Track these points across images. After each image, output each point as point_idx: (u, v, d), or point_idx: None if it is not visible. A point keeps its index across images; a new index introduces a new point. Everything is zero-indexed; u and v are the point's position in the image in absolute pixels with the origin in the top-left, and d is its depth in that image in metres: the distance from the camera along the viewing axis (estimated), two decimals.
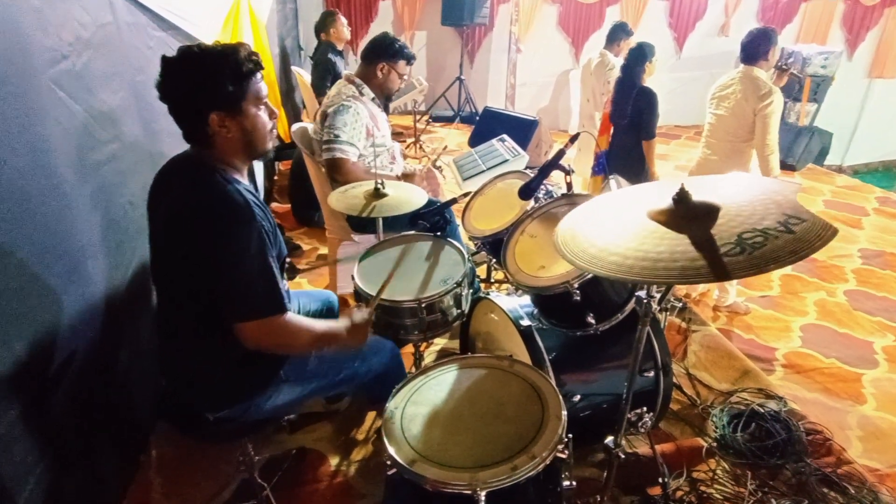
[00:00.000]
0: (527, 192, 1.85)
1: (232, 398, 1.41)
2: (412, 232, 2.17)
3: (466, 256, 1.94)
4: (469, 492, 1.07)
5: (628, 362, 1.41)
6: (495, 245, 2.03)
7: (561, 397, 1.29)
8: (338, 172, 2.40)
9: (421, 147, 5.49)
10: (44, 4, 1.33)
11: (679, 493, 1.84)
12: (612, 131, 3.48)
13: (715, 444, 2.04)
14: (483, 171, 3.46)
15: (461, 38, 6.76)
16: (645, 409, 1.75)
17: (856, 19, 7.39)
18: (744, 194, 1.10)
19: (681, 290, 3.08)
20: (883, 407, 2.41)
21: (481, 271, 2.90)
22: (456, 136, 6.24)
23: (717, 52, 7.14)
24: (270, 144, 1.41)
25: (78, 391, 1.46)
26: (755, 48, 2.81)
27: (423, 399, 1.34)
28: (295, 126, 2.87)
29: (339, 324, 1.49)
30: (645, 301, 1.30)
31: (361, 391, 1.70)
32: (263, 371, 1.44)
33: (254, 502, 1.66)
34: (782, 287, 3.41)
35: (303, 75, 4.67)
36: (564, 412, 1.23)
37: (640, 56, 3.20)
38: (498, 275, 2.88)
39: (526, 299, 1.83)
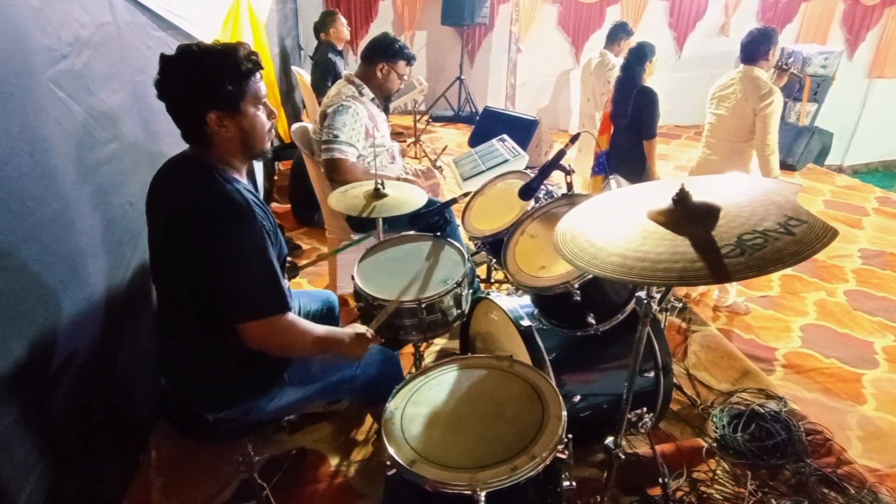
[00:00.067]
0: (527, 192, 1.85)
1: (232, 399, 1.41)
2: (412, 232, 2.17)
3: (466, 256, 1.94)
4: (469, 492, 1.07)
5: (628, 363, 1.41)
6: (495, 245, 2.02)
7: (561, 398, 1.28)
8: (336, 172, 2.40)
9: (421, 147, 5.49)
10: (43, 4, 1.33)
11: (679, 494, 1.84)
12: (612, 131, 3.48)
13: (715, 445, 2.04)
14: (483, 171, 3.46)
15: (461, 38, 6.76)
16: (645, 409, 1.75)
17: (856, 19, 7.39)
18: (744, 195, 1.10)
19: (681, 290, 3.08)
20: (883, 407, 2.41)
21: (481, 271, 2.90)
22: (456, 136, 6.23)
23: (718, 52, 7.14)
24: (268, 144, 1.41)
25: (78, 391, 1.46)
26: (755, 48, 2.81)
27: (423, 399, 1.34)
28: (295, 126, 2.87)
29: (341, 332, 1.48)
30: (645, 301, 1.30)
31: (359, 395, 1.70)
32: (265, 372, 1.44)
33: (254, 503, 1.66)
34: (782, 287, 3.41)
35: (303, 75, 4.67)
36: (564, 412, 1.23)
37: (640, 56, 3.20)
38: (498, 275, 2.87)
39: (526, 299, 1.83)
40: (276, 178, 4.69)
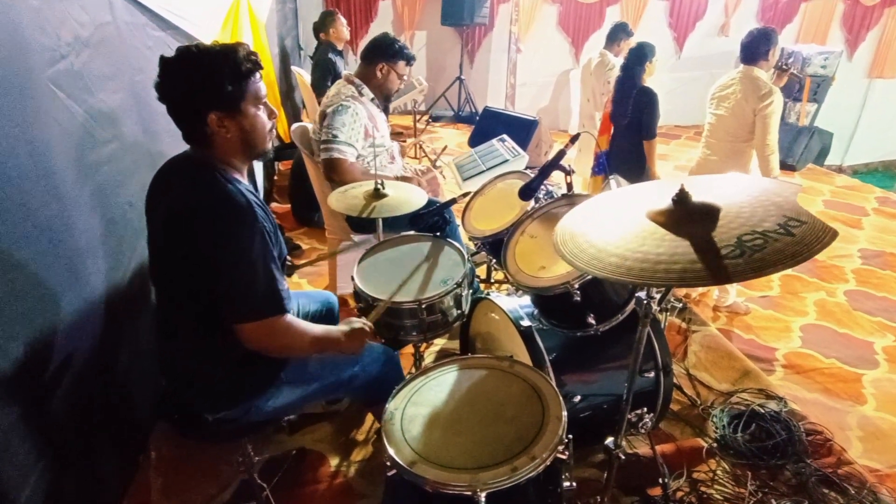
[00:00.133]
0: (527, 192, 1.85)
1: (231, 399, 1.41)
2: (412, 232, 2.17)
3: (466, 257, 1.94)
4: (469, 493, 1.07)
5: (628, 363, 1.41)
6: (495, 245, 2.02)
7: (561, 398, 1.28)
8: (335, 172, 2.40)
9: (421, 147, 5.49)
10: (42, 4, 1.33)
11: (679, 494, 1.84)
12: (612, 131, 3.48)
13: (715, 445, 2.04)
14: (483, 172, 3.46)
15: (461, 38, 6.76)
16: (645, 409, 1.75)
17: (856, 19, 7.39)
18: (744, 195, 1.10)
19: (681, 290, 3.07)
20: (883, 407, 2.40)
21: (481, 271, 2.90)
22: (456, 136, 6.23)
23: (717, 52, 7.14)
24: (269, 144, 1.41)
25: (77, 391, 1.46)
26: (755, 48, 2.81)
27: (423, 400, 1.34)
28: (294, 126, 2.87)
29: (337, 330, 1.49)
30: (645, 302, 1.30)
31: (359, 394, 1.70)
32: (263, 372, 1.44)
33: (253, 503, 1.66)
34: (782, 287, 3.41)
35: (302, 75, 4.67)
36: (565, 413, 1.23)
37: (640, 56, 3.20)
38: (498, 275, 2.87)
39: (526, 300, 1.83)
40: (275, 178, 4.69)
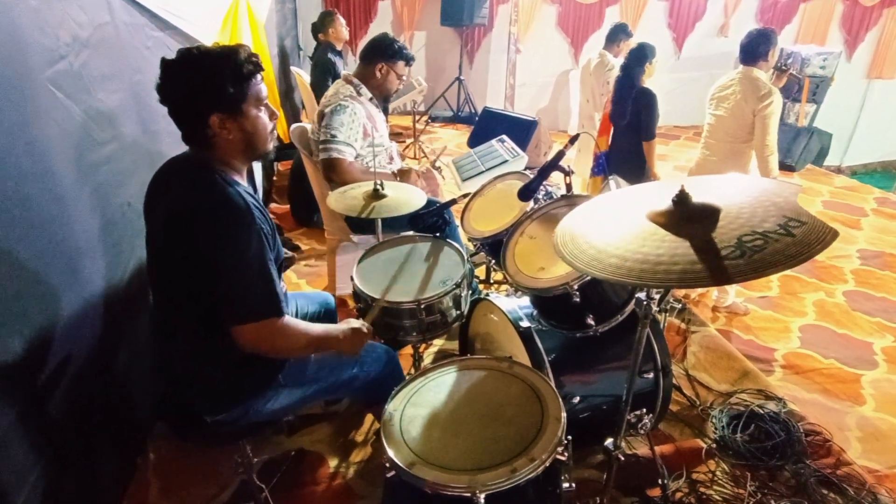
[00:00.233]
0: (526, 193, 1.85)
1: (230, 400, 1.41)
2: (411, 233, 2.17)
3: (466, 257, 1.94)
4: (468, 494, 1.07)
5: (628, 364, 1.41)
6: (495, 246, 2.02)
7: (560, 399, 1.28)
8: (334, 172, 2.40)
9: (420, 147, 5.49)
10: (41, 4, 1.33)
11: (678, 495, 1.84)
12: (611, 132, 3.48)
13: (714, 446, 2.04)
14: (482, 172, 3.46)
15: (460, 39, 6.76)
16: (644, 410, 1.75)
17: (855, 20, 7.39)
18: (744, 196, 1.10)
19: (680, 290, 3.07)
20: (882, 408, 2.41)
21: (480, 272, 2.90)
22: (455, 137, 6.23)
23: (717, 52, 7.14)
24: (271, 146, 1.41)
25: (76, 391, 1.46)
26: (754, 49, 2.81)
27: (422, 401, 1.34)
28: (293, 126, 2.86)
29: (336, 328, 1.49)
30: (644, 302, 1.30)
31: (359, 395, 1.70)
32: (262, 374, 1.43)
33: None
34: (781, 288, 3.41)
35: (302, 76, 4.67)
36: (564, 414, 1.23)
37: (640, 56, 3.20)
38: (497, 276, 2.87)
39: (525, 300, 1.82)
40: (275, 178, 4.69)
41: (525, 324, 1.67)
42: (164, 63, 1.25)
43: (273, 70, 4.29)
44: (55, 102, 1.38)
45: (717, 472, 1.93)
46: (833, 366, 2.69)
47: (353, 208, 2.03)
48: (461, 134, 6.27)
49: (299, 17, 6.10)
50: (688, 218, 1.05)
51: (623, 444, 1.52)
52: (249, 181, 1.66)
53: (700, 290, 3.23)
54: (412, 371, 2.11)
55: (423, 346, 2.35)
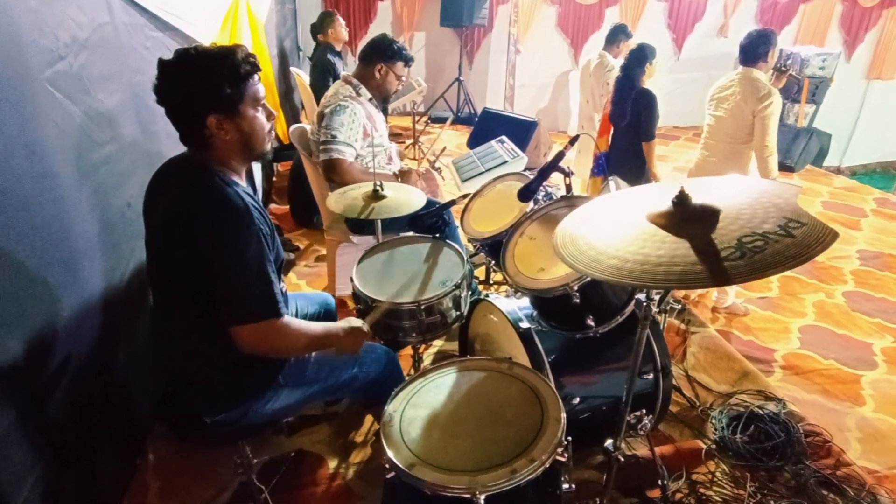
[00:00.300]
0: (526, 193, 1.85)
1: (230, 401, 1.41)
2: (411, 234, 2.17)
3: (465, 258, 1.94)
4: (468, 495, 1.07)
5: (627, 364, 1.41)
6: (494, 247, 2.02)
7: (560, 400, 1.28)
8: (334, 173, 2.40)
9: (420, 148, 5.49)
10: (40, 5, 1.32)
11: (678, 496, 1.84)
12: (611, 132, 3.48)
13: (714, 446, 2.04)
14: (482, 173, 3.46)
15: (460, 39, 6.76)
16: (644, 411, 1.74)
17: (854, 20, 7.40)
18: (743, 197, 1.10)
19: (680, 291, 3.07)
20: (882, 408, 2.41)
21: (480, 273, 2.90)
22: (455, 138, 6.23)
23: (716, 53, 7.14)
24: (268, 146, 1.41)
25: (76, 392, 1.45)
26: (754, 50, 2.81)
27: (421, 402, 1.34)
28: (293, 127, 2.86)
29: (335, 327, 1.49)
30: (644, 304, 1.30)
31: (359, 396, 1.69)
32: (261, 374, 1.43)
33: None
34: (781, 288, 3.42)
35: (301, 76, 4.67)
36: (564, 415, 1.23)
37: (640, 57, 3.20)
38: (497, 277, 2.87)
39: (525, 301, 1.82)
40: (274, 179, 4.69)
41: (525, 325, 1.67)
42: (162, 63, 1.25)
43: (273, 71, 4.29)
44: (54, 103, 1.38)
45: (717, 473, 1.93)
46: (833, 366, 2.69)
47: (353, 209, 2.03)
48: (461, 135, 6.27)
49: (299, 18, 6.10)
50: (688, 219, 1.05)
51: (623, 444, 1.52)
52: (249, 182, 1.66)
53: (700, 291, 3.23)
54: (412, 372, 2.11)
55: (423, 346, 2.35)
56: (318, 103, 3.30)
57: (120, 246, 1.73)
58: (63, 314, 1.41)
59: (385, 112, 2.86)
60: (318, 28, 4.70)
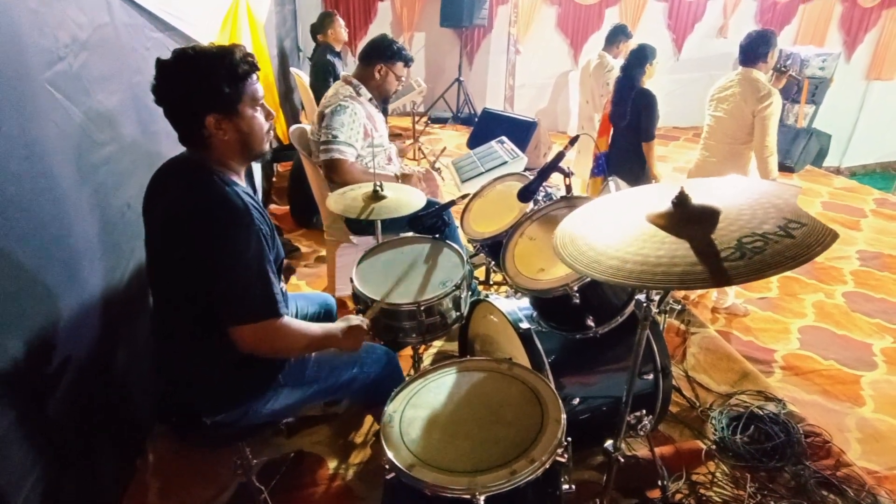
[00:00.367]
0: (526, 194, 1.85)
1: (230, 401, 1.41)
2: (411, 234, 2.17)
3: (465, 259, 1.93)
4: (468, 496, 1.07)
5: (627, 365, 1.41)
6: (494, 247, 2.02)
7: (560, 400, 1.28)
8: (335, 173, 2.40)
9: (420, 149, 5.49)
10: (40, 5, 1.32)
11: (678, 496, 1.84)
12: (611, 132, 3.48)
13: (714, 447, 2.04)
14: (482, 173, 3.46)
15: (460, 40, 6.76)
16: (644, 411, 1.74)
17: (854, 21, 7.40)
18: (743, 197, 1.10)
19: (679, 291, 3.08)
20: (881, 409, 2.41)
21: (480, 273, 2.90)
22: (454, 138, 6.23)
23: (716, 53, 7.15)
24: (267, 146, 1.41)
25: (76, 392, 1.45)
26: (754, 50, 2.81)
27: (421, 402, 1.34)
28: (293, 128, 2.86)
29: (335, 326, 1.49)
30: (644, 304, 1.30)
31: (359, 396, 1.69)
32: (261, 374, 1.43)
33: None
34: (781, 289, 3.42)
35: (301, 77, 4.67)
36: (563, 415, 1.23)
37: (641, 57, 3.20)
38: (497, 277, 2.87)
39: (525, 302, 1.82)
40: (274, 179, 4.69)
41: (525, 325, 1.67)
42: (160, 63, 1.25)
43: (273, 71, 4.29)
44: (54, 104, 1.38)
45: (717, 474, 1.93)
46: (833, 367, 2.69)
47: (353, 210, 2.03)
48: (461, 135, 6.27)
49: (299, 19, 6.10)
50: (687, 219, 1.05)
51: (623, 445, 1.52)
52: (249, 182, 1.66)
53: (699, 292, 3.23)
54: (412, 372, 2.10)
55: (423, 347, 2.35)
56: (317, 104, 3.30)
57: (120, 246, 1.73)
58: (63, 314, 1.41)
59: (385, 112, 2.86)
60: (318, 28, 4.70)
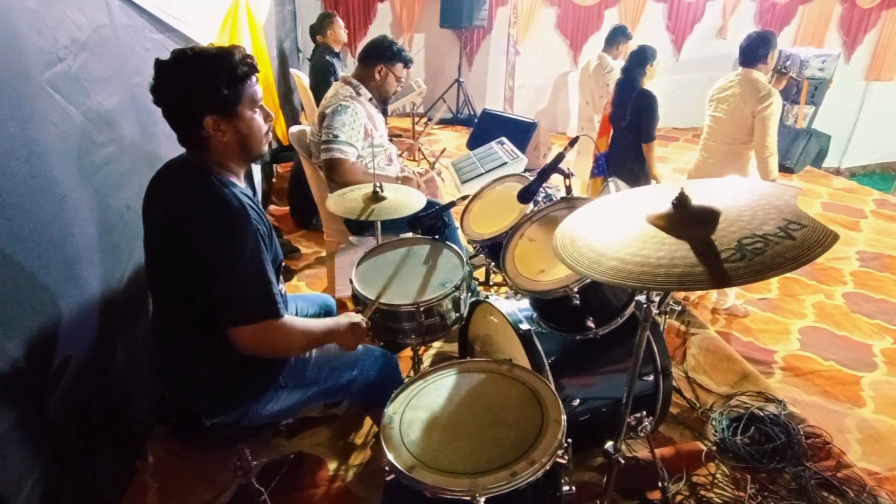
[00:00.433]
0: (526, 195, 1.85)
1: (230, 402, 1.41)
2: (411, 235, 2.16)
3: (465, 260, 1.93)
4: (468, 498, 1.07)
5: (628, 366, 1.40)
6: (494, 248, 2.02)
7: (560, 402, 1.28)
8: (336, 173, 2.39)
9: (419, 149, 5.48)
10: (39, 6, 1.32)
11: (679, 498, 1.84)
12: (612, 133, 3.48)
13: (714, 448, 2.04)
14: (482, 174, 3.46)
15: (460, 41, 6.77)
16: (644, 412, 1.74)
17: (853, 22, 7.41)
18: (744, 198, 1.09)
19: (680, 292, 3.07)
20: (881, 410, 2.40)
21: (480, 275, 2.90)
22: (454, 139, 6.23)
23: (715, 54, 7.15)
24: (265, 148, 1.41)
25: (75, 394, 1.45)
26: (754, 52, 2.81)
27: (421, 404, 1.33)
28: (293, 129, 2.86)
29: (334, 323, 1.49)
30: (644, 305, 1.30)
31: (358, 398, 1.69)
32: (261, 375, 1.43)
33: None
34: (781, 290, 3.41)
35: (301, 78, 4.66)
36: (564, 417, 1.22)
37: (641, 58, 3.20)
38: (497, 278, 2.87)
39: (525, 303, 1.82)
40: (274, 180, 4.68)
41: (525, 326, 1.67)
42: (159, 64, 1.25)
43: (272, 72, 4.29)
44: (53, 105, 1.38)
45: (718, 475, 1.93)
46: (833, 368, 2.69)
47: (353, 211, 2.03)
48: (460, 136, 6.27)
49: (298, 19, 6.10)
50: (688, 221, 1.05)
51: (623, 446, 1.51)
52: (248, 183, 1.66)
53: (700, 293, 3.23)
54: (411, 374, 2.10)
55: (423, 348, 2.35)
56: (317, 105, 3.30)
57: (119, 247, 1.73)
58: (62, 315, 1.40)
59: (385, 113, 2.86)
60: (318, 29, 4.69)
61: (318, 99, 4.28)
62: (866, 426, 2.30)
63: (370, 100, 2.59)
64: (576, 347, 1.74)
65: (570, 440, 1.20)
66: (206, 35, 2.59)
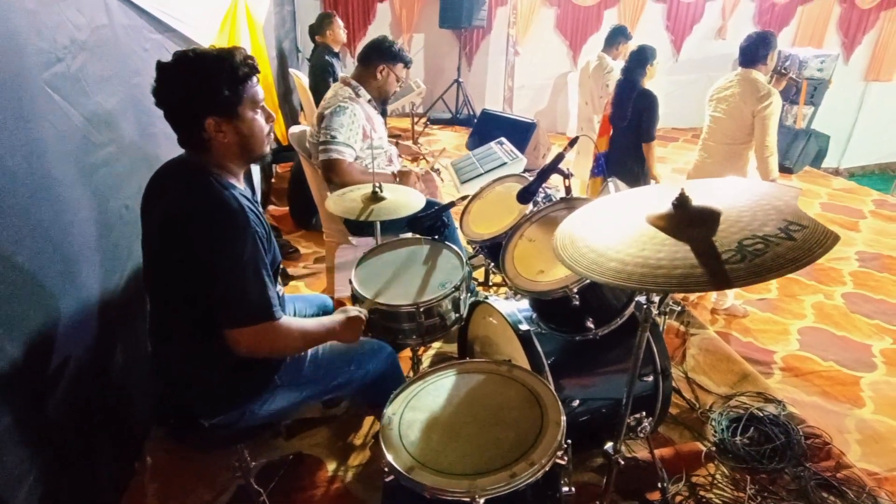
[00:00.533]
0: (525, 195, 1.85)
1: (228, 403, 1.40)
2: (410, 235, 2.16)
3: (465, 260, 1.93)
4: (468, 499, 1.06)
5: (627, 367, 1.40)
6: (494, 249, 2.02)
7: (560, 402, 1.28)
8: (334, 173, 2.39)
9: (420, 154, 5.48)
10: (39, 7, 1.32)
11: (678, 498, 1.84)
12: (612, 133, 3.48)
13: (714, 449, 2.04)
14: (481, 175, 3.45)
15: (459, 41, 6.76)
16: (644, 413, 1.74)
17: (852, 22, 7.42)
18: (744, 199, 1.09)
19: (679, 293, 3.07)
20: (881, 410, 2.40)
21: (479, 275, 2.90)
22: (454, 139, 6.23)
23: (715, 55, 7.16)
24: (267, 149, 1.41)
25: (74, 394, 1.45)
26: (754, 52, 2.81)
27: (421, 405, 1.33)
28: (292, 129, 2.86)
29: (333, 319, 1.49)
30: (644, 306, 1.30)
31: (358, 396, 1.69)
32: (258, 375, 1.43)
33: None
34: (780, 290, 3.42)
35: (300, 78, 4.66)
36: (563, 417, 1.22)
37: (641, 59, 3.20)
38: (496, 279, 2.87)
39: (525, 304, 1.82)
40: (273, 180, 4.68)
41: (524, 327, 1.67)
42: (160, 66, 1.25)
43: (272, 72, 4.28)
44: (52, 105, 1.37)
45: (717, 476, 1.93)
46: (832, 368, 2.69)
47: (352, 211, 2.03)
48: (460, 136, 6.27)
49: (298, 20, 6.10)
50: (688, 221, 1.05)
51: (623, 447, 1.51)
52: (248, 183, 1.66)
53: (699, 293, 3.23)
54: (411, 374, 2.10)
55: (422, 349, 2.34)
56: (316, 105, 3.30)
57: (118, 248, 1.73)
58: (61, 316, 1.40)
59: (384, 114, 2.86)
60: (317, 29, 4.69)
61: (317, 99, 4.28)
62: (866, 426, 2.30)
63: (369, 101, 2.59)
64: (575, 348, 1.74)
65: (569, 441, 1.20)
66: (206, 35, 2.59)
